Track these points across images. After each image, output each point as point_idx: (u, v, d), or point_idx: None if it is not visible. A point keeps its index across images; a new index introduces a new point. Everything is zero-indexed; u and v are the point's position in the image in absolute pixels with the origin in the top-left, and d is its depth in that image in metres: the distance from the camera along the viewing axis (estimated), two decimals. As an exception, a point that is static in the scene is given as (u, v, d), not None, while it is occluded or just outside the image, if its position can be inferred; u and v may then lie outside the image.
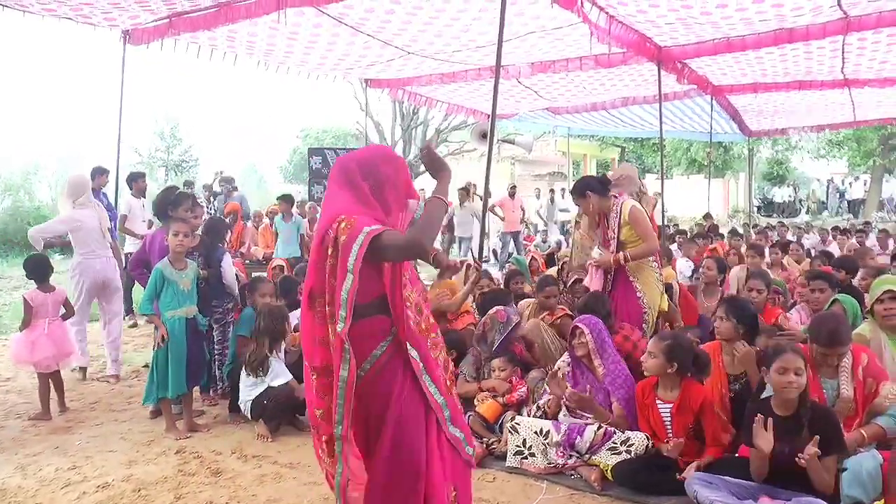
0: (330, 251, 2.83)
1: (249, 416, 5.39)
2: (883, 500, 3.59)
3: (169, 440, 5.21)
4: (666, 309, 5.92)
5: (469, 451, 3.15)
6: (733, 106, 14.20)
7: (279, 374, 5.38)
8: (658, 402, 4.38)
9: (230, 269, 6.40)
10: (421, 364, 2.98)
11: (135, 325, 9.58)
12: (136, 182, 10.01)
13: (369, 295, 2.88)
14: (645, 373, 4.45)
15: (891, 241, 12.71)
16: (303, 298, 2.99)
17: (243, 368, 5.43)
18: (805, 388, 3.74)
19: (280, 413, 5.42)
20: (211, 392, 6.22)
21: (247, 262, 10.19)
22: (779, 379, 3.72)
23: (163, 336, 5.24)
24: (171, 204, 5.93)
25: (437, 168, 3.07)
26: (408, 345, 2.96)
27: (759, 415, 3.71)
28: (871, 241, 13.02)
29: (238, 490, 4.32)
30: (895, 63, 10.21)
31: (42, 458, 4.89)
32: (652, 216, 6.15)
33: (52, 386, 5.91)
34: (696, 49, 9.22)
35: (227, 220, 11.01)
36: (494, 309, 5.59)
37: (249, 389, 5.38)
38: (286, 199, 11.50)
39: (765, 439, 3.64)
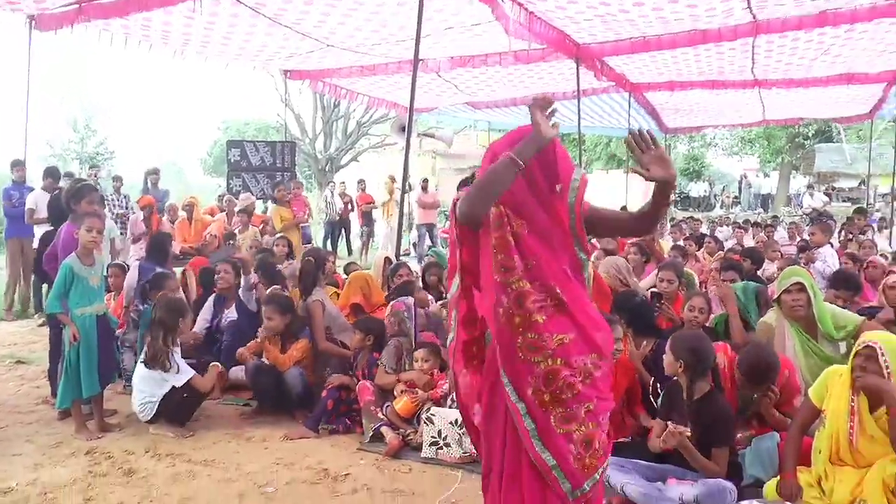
0: None
1: (146, 417, 5.26)
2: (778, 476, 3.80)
3: (79, 441, 5.03)
4: None
5: (566, 486, 2.70)
6: (651, 103, 14.56)
7: (182, 371, 5.27)
8: None
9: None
10: (501, 362, 2.76)
11: (44, 324, 9.26)
12: (46, 178, 9.74)
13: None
14: None
15: (797, 234, 13.27)
16: None
17: (140, 364, 5.32)
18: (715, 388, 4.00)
19: (194, 406, 5.39)
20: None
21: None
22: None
23: (74, 335, 5.07)
24: (72, 197, 5.73)
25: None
26: (488, 334, 2.81)
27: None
28: (780, 233, 13.54)
29: (151, 490, 4.23)
30: (799, 65, 10.67)
31: (-59, 465, 4.67)
32: None
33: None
34: (613, 47, 9.45)
35: (141, 213, 10.75)
36: (392, 304, 5.70)
37: (151, 389, 5.24)
38: None
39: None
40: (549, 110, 2.63)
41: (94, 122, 40.01)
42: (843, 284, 5.97)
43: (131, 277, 6.88)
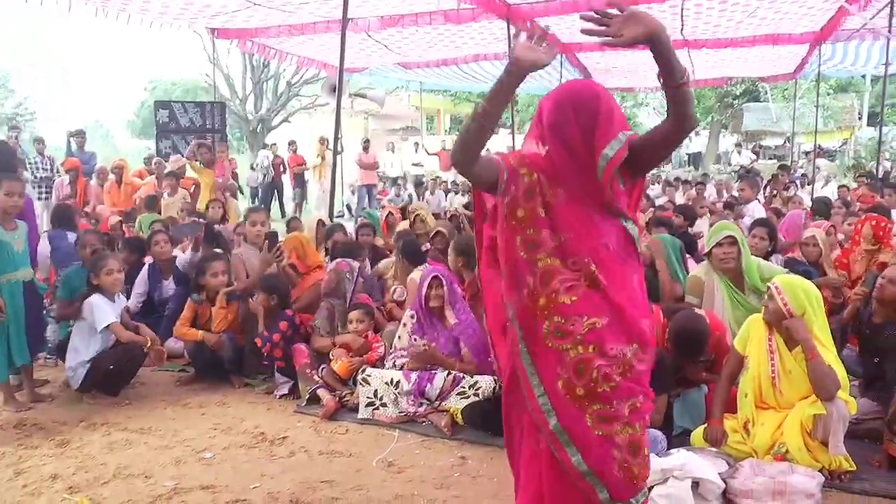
0: None
1: (78, 384, 5.11)
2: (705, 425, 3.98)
3: (7, 413, 4.91)
4: None
5: (603, 495, 2.41)
6: (582, 64, 14.66)
7: (104, 314, 5.05)
8: None
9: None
10: (522, 348, 2.46)
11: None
12: None
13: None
14: None
15: (725, 191, 13.71)
16: None
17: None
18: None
19: (129, 375, 5.28)
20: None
21: (93, 221, 9.71)
22: None
23: (0, 307, 4.83)
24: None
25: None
26: (513, 316, 2.48)
27: None
28: (710, 190, 13.92)
29: (85, 460, 4.17)
30: (727, 27, 10.90)
31: None
32: None
33: None
34: (544, 7, 9.48)
35: (67, 176, 10.47)
36: (336, 262, 5.63)
37: (79, 342, 5.13)
38: None
39: None
40: (538, 37, 2.37)
41: (12, 82, 38.57)
42: (760, 223, 6.14)
43: (43, 247, 6.66)
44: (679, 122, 2.32)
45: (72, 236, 6.43)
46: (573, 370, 2.38)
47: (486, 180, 2.47)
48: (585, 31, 2.29)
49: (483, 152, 2.44)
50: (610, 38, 2.24)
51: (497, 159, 2.49)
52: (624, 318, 2.41)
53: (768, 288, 3.85)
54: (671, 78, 2.26)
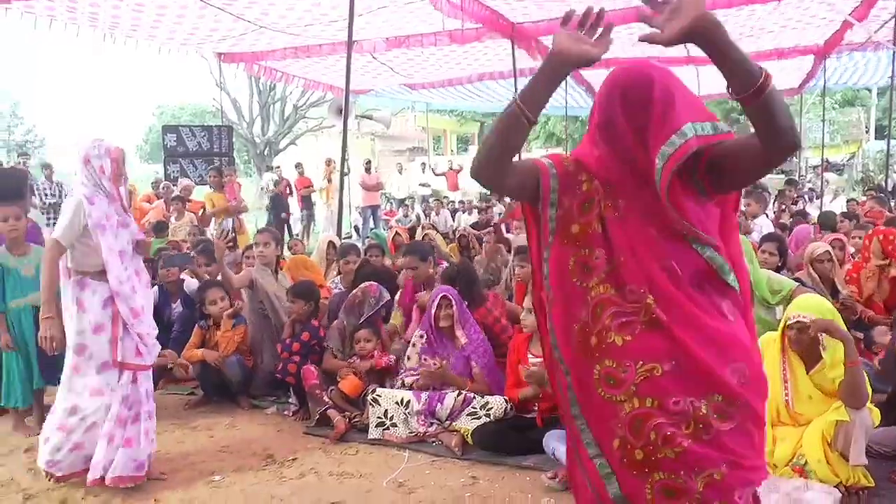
0: None
1: None
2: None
3: (17, 438, 4.88)
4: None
5: None
6: (587, 81, 14.70)
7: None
8: (530, 356, 4.43)
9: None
10: (571, 395, 2.05)
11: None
12: None
13: None
14: (524, 329, 4.51)
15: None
16: None
17: None
18: None
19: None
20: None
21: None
22: None
23: (6, 344, 4.77)
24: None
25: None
26: (560, 357, 2.07)
27: None
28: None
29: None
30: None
31: None
32: None
33: None
34: (548, 26, 9.52)
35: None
36: (367, 283, 5.53)
37: None
38: None
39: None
40: (591, 23, 1.91)
41: (21, 110, 38.96)
42: (769, 238, 6.08)
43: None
44: (769, 143, 1.75)
45: None
46: (629, 428, 1.91)
47: (519, 188, 2.06)
48: (642, 38, 1.78)
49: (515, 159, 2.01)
50: (651, 36, 1.74)
51: (542, 163, 2.07)
52: (693, 363, 1.89)
53: (797, 321, 3.62)
54: (738, 84, 1.71)
